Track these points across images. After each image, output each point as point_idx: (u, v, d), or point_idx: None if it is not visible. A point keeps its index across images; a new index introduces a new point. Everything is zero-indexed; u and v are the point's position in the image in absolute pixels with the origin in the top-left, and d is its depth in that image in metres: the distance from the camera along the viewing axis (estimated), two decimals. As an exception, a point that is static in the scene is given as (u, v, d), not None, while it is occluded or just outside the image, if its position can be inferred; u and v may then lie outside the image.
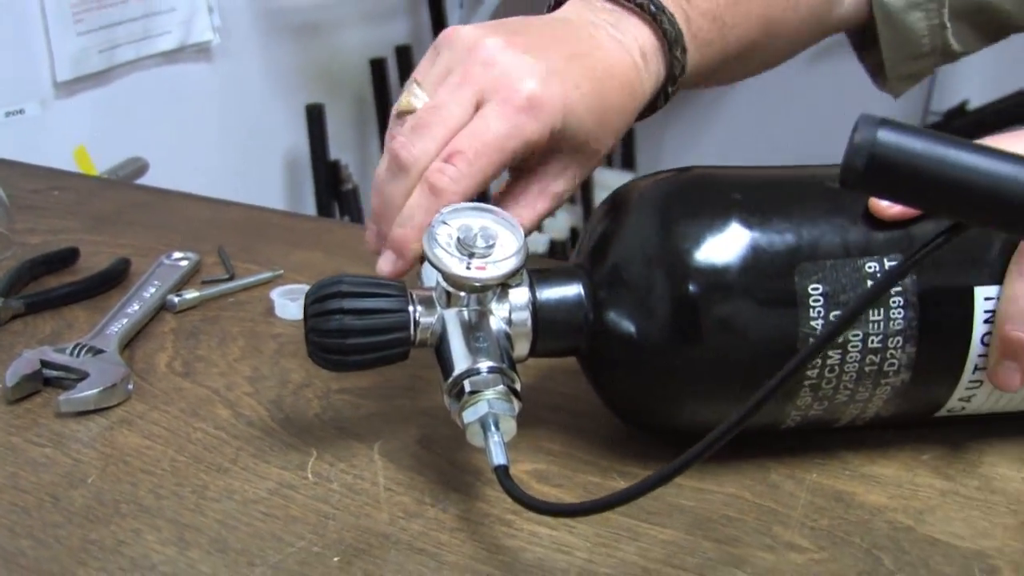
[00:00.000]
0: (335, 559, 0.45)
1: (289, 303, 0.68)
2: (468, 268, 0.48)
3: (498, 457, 0.45)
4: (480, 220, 0.50)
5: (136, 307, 0.67)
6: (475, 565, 0.45)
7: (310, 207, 1.85)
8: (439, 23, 2.06)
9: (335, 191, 1.86)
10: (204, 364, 0.62)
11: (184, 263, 0.75)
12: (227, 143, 1.70)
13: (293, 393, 0.59)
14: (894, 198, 0.36)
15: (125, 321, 0.65)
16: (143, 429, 0.55)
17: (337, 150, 1.85)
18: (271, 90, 1.77)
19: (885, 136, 0.34)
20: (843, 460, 0.53)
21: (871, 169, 0.34)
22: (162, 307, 0.69)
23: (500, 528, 0.47)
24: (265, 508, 0.49)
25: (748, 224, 0.49)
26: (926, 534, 0.48)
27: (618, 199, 0.53)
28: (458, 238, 0.49)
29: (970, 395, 0.51)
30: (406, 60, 2.00)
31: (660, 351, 0.49)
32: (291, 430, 0.55)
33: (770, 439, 0.53)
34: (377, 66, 1.95)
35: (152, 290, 0.70)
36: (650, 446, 0.52)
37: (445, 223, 0.49)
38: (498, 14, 2.25)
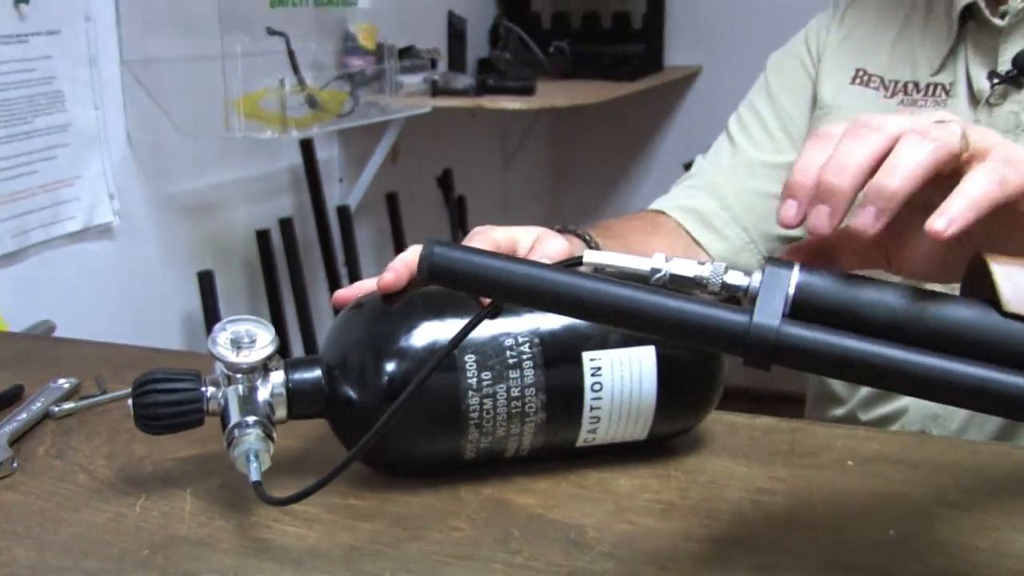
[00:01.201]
0: (145, 551, 0.66)
1: (141, 406, 0.89)
2: (237, 356, 0.70)
3: (254, 475, 0.67)
4: (246, 325, 0.72)
5: (24, 415, 0.88)
6: (240, 549, 0.66)
7: (207, 362, 2.04)
8: (317, 198, 2.31)
9: (228, 347, 2.06)
10: (73, 450, 0.83)
11: (67, 385, 0.95)
12: (127, 308, 1.91)
13: (136, 463, 0.79)
14: (453, 288, 0.59)
15: (14, 424, 0.85)
16: (22, 491, 0.75)
17: (228, 311, 2.07)
18: (166, 260, 1.99)
19: (439, 251, 0.57)
20: (513, 480, 0.75)
21: (432, 272, 0.57)
22: (46, 416, 0.89)
23: (263, 528, 0.68)
24: (103, 528, 0.69)
25: (426, 319, 0.72)
26: (550, 518, 0.69)
27: (346, 311, 0.76)
28: (231, 338, 0.71)
29: (594, 428, 0.74)
30: (289, 231, 2.23)
31: (372, 410, 0.71)
32: (130, 484, 0.76)
33: (467, 470, 0.75)
34: (263, 236, 2.18)
35: (38, 404, 0.90)
36: (376, 477, 0.74)
37: (224, 329, 0.72)
38: (371, 190, 2.52)
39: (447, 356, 0.61)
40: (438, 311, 0.72)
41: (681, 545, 0.66)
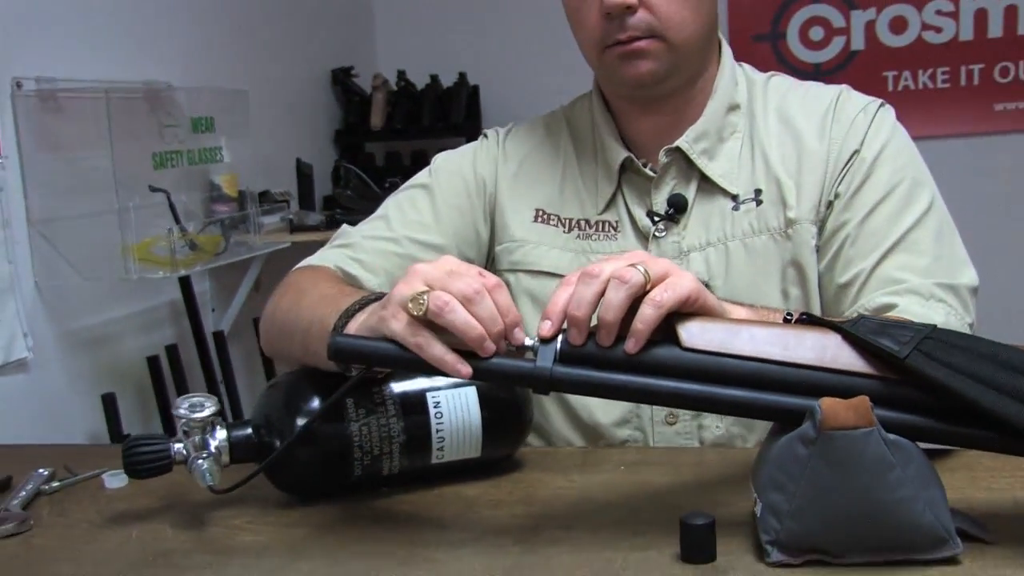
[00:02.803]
0: (150, 559, 0.92)
1: (110, 478, 1.14)
2: (194, 414, 0.98)
3: (208, 481, 0.95)
4: (198, 397, 1.00)
5: (23, 493, 1.12)
6: (214, 552, 0.93)
7: (110, 473, 2.25)
8: (197, 327, 2.55)
9: (128, 458, 2.28)
10: (70, 511, 1.07)
11: (45, 473, 1.20)
12: (40, 430, 2.11)
13: (121, 513, 1.05)
14: (348, 361, 0.89)
15: (19, 498, 1.10)
16: (45, 538, 1.00)
17: (129, 427, 2.29)
18: (73, 386, 2.21)
19: (339, 340, 0.87)
20: (393, 498, 1.03)
21: (335, 353, 0.87)
22: (38, 493, 1.14)
23: (228, 539, 0.95)
24: (114, 550, 0.95)
25: (320, 391, 1.00)
26: (422, 516, 0.98)
27: (267, 388, 1.04)
28: (189, 404, 0.99)
29: (441, 445, 1.03)
30: (175, 356, 2.47)
31: (289, 457, 0.99)
32: (122, 525, 1.01)
33: (359, 490, 1.03)
34: (153, 362, 2.41)
35: (31, 484, 1.15)
36: (299, 504, 1.02)
37: (185, 400, 0.99)
38: (240, 317, 2.77)
39: (336, 402, 0.92)
40: (329, 386, 1.01)
41: (507, 520, 0.96)
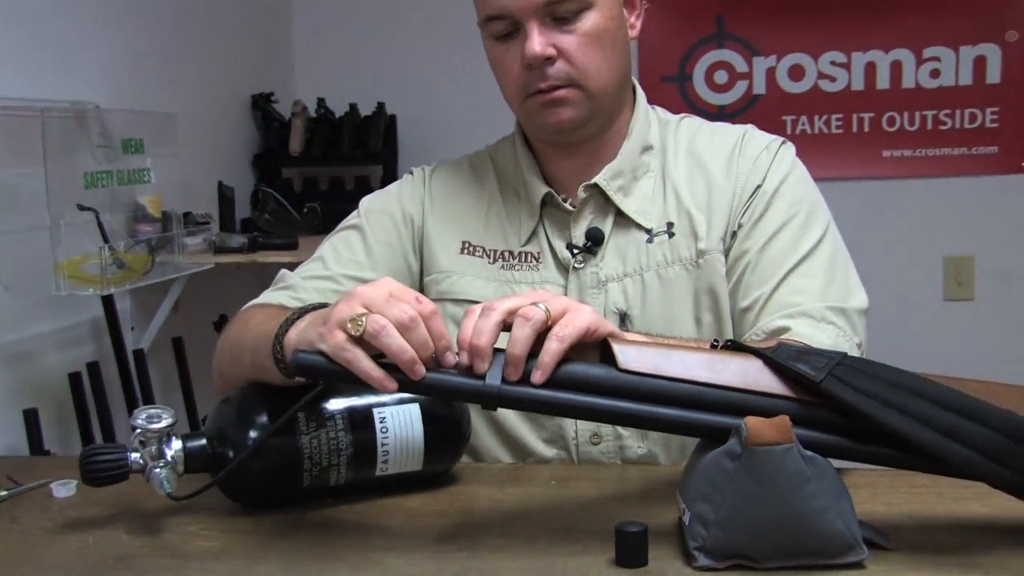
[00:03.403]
0: (110, 562, 0.95)
1: (59, 488, 1.16)
2: (151, 425, 1.01)
3: (166, 489, 0.99)
4: (155, 409, 1.03)
5: (-28, 501, 1.13)
6: (172, 556, 0.96)
7: (28, 488, 2.22)
8: (118, 343, 2.53)
9: (47, 474, 2.25)
10: (21, 518, 1.09)
11: (-9, 482, 1.21)
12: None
13: (74, 519, 1.07)
14: (308, 377, 0.93)
15: (-30, 506, 1.11)
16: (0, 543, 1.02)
17: (49, 443, 2.27)
18: (-4, 402, 2.19)
19: (300, 357, 0.92)
20: (339, 508, 1.07)
21: (296, 370, 0.91)
22: (-14, 502, 1.15)
23: (184, 544, 0.98)
24: (74, 554, 0.97)
25: (270, 405, 1.04)
26: (367, 524, 1.03)
27: (219, 402, 1.08)
28: (146, 415, 1.02)
29: (386, 458, 1.08)
30: (96, 373, 2.45)
31: (239, 468, 1.03)
32: (78, 531, 1.03)
33: (308, 501, 1.07)
34: (74, 378, 2.39)
35: (-23, 494, 1.16)
36: (251, 513, 1.05)
37: (143, 411, 1.02)
38: (159, 336, 2.76)
39: (289, 417, 0.96)
40: (278, 400, 1.05)
41: (450, 529, 1.01)
